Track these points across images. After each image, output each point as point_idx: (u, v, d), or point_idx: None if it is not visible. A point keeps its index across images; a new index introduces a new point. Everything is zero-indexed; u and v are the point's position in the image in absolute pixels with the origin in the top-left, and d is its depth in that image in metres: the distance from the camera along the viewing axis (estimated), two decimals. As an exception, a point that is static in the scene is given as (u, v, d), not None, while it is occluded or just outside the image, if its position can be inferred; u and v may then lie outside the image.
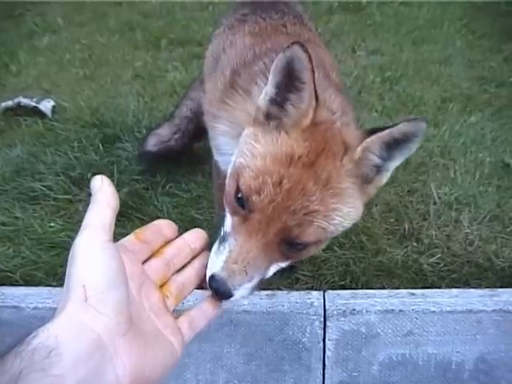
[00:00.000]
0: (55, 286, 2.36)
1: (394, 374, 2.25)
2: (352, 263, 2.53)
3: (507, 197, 2.96)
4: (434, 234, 2.71)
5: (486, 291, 2.30)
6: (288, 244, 1.35)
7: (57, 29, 5.66)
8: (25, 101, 3.86)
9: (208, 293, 1.25)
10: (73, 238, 0.96)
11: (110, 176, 2.93)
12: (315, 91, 1.37)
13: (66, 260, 0.94)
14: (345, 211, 1.38)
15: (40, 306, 2.22)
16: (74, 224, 2.73)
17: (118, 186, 2.93)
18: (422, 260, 2.56)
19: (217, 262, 1.29)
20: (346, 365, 2.24)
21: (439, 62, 4.69)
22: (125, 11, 6.04)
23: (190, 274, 1.21)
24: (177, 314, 1.13)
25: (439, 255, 2.58)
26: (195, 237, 1.25)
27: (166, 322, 1.06)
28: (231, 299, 1.28)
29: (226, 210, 1.45)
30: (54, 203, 2.92)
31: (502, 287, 2.36)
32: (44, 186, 3.01)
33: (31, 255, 2.58)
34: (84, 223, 0.99)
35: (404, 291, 2.31)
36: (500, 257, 2.58)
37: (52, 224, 2.76)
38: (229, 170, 1.51)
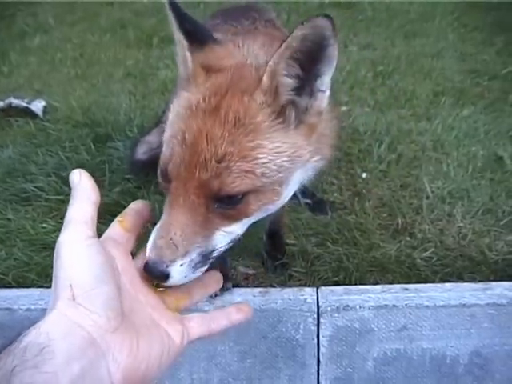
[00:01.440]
0: (47, 288, 2.34)
1: (389, 369, 2.24)
2: (345, 259, 2.52)
3: (500, 190, 2.95)
4: (427, 229, 2.71)
5: (480, 285, 2.30)
6: (218, 201, 1.22)
7: (48, 28, 5.66)
8: (16, 101, 3.84)
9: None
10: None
11: (102, 175, 2.96)
12: (186, 37, 1.33)
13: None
14: (270, 147, 1.24)
15: (32, 307, 2.21)
16: (66, 224, 2.70)
17: (110, 186, 2.93)
18: (416, 255, 2.55)
19: (147, 248, 1.21)
20: (341, 361, 2.23)
21: (431, 55, 4.69)
22: (116, 10, 6.05)
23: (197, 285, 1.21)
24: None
25: (432, 249, 2.58)
26: None
27: (162, 314, 1.05)
28: (170, 280, 1.15)
29: None
30: (45, 204, 2.91)
31: (495, 280, 2.36)
32: (35, 187, 3.00)
33: (23, 257, 2.56)
34: (66, 220, 0.98)
35: (397, 286, 2.31)
36: (493, 250, 2.58)
37: (44, 225, 2.74)
38: None
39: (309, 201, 2.84)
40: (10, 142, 3.48)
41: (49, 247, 2.60)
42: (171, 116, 1.35)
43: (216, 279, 1.27)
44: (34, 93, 4.13)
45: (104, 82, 4.40)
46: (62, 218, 2.82)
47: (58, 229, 2.69)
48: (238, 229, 1.31)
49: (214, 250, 1.27)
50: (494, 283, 2.31)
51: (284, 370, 2.25)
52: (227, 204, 1.23)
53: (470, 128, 3.53)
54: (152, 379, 0.97)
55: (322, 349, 2.22)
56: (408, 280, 2.43)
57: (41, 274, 2.47)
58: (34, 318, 0.83)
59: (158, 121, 3.08)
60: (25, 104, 3.82)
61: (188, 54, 1.34)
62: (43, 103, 3.86)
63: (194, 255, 1.20)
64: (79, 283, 0.90)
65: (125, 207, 2.82)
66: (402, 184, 3.02)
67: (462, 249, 2.59)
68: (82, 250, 0.93)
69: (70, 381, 0.80)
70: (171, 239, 1.18)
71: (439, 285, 2.32)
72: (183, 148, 1.22)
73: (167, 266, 1.15)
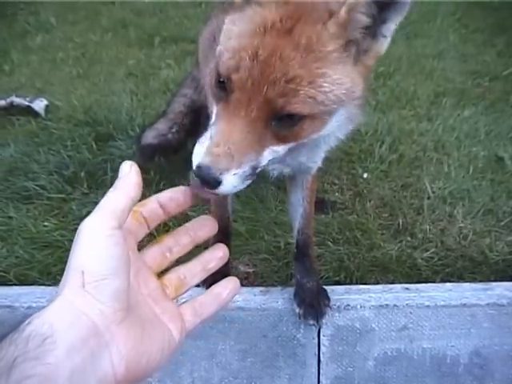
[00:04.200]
0: (49, 285, 2.35)
1: (389, 368, 2.25)
2: (346, 259, 2.52)
3: (501, 191, 2.96)
4: (428, 229, 2.71)
5: (480, 285, 2.31)
6: (277, 119, 1.26)
7: (50, 28, 5.66)
8: (18, 100, 3.84)
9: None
10: (67, 237, 0.94)
11: (104, 174, 2.96)
12: None
13: (60, 259, 0.93)
14: (334, 77, 1.28)
15: (34, 305, 2.21)
16: (67, 223, 2.71)
17: (112, 185, 2.92)
18: (416, 255, 2.56)
19: (199, 152, 1.23)
20: (341, 360, 2.24)
21: (432, 56, 4.71)
22: (118, 9, 6.06)
23: (195, 265, 1.15)
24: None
25: (433, 250, 2.58)
26: (200, 225, 1.20)
27: (164, 308, 1.03)
28: (221, 187, 1.20)
29: (212, 102, 1.39)
30: (47, 202, 2.91)
31: (495, 281, 2.37)
32: (37, 186, 3.00)
33: (25, 254, 2.56)
34: (97, 207, 0.96)
35: (398, 286, 2.31)
36: (494, 251, 2.58)
37: (46, 223, 2.74)
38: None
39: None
40: (12, 141, 3.47)
41: (50, 245, 2.59)
42: (236, 28, 1.35)
43: (217, 255, 1.20)
44: (36, 92, 4.13)
45: (105, 81, 4.40)
46: (64, 216, 2.82)
47: (59, 227, 2.69)
48: (282, 150, 1.35)
49: (259, 166, 1.30)
50: (494, 283, 2.32)
51: (284, 369, 2.25)
52: (284, 123, 1.27)
53: (470, 129, 3.54)
54: (151, 374, 0.96)
55: (322, 348, 2.22)
56: (409, 280, 2.43)
57: (42, 272, 2.47)
58: (36, 315, 0.82)
59: (163, 113, 3.12)
60: (27, 103, 3.82)
61: None
62: (45, 102, 3.86)
63: (247, 167, 1.24)
64: (91, 271, 0.88)
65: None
66: (403, 184, 3.03)
67: (462, 249, 2.60)
68: (101, 239, 0.90)
69: (70, 372, 0.78)
70: (229, 148, 1.20)
71: (440, 285, 2.33)
72: (254, 63, 1.23)
73: (221, 174, 1.18)
